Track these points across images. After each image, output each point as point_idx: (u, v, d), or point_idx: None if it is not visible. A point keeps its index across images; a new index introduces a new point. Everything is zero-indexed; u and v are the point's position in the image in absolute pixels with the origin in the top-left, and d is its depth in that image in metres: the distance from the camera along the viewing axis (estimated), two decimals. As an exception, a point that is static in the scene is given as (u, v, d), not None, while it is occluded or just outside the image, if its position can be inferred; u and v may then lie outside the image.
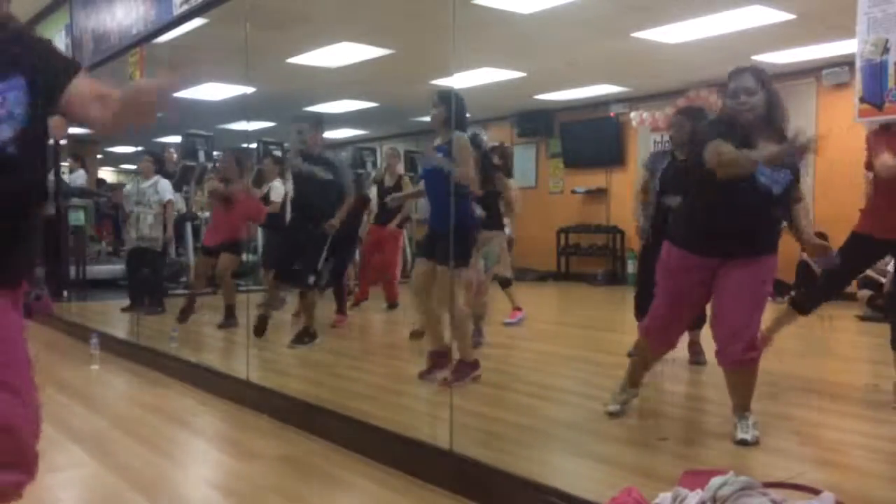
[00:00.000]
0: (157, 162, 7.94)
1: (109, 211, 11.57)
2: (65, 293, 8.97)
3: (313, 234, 5.56)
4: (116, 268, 10.45)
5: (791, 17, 6.71)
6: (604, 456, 3.11)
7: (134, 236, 7.64)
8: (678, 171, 4.42)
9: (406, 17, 6.87)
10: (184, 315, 6.81)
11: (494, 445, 3.32)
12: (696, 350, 4.78)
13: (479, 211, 4.98)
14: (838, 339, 3.93)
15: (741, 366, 3.23)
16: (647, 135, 10.83)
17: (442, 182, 4.26)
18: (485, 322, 5.79)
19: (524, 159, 12.23)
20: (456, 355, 4.33)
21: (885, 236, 3.95)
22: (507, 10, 6.52)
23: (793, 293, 4.20)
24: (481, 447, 3.15)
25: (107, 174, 16.46)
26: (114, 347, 5.72)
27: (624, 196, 11.34)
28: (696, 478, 2.22)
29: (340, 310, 6.84)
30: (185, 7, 5.28)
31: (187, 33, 6.02)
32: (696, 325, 4.49)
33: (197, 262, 7.65)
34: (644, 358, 3.70)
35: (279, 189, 7.58)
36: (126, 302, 7.89)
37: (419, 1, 6.20)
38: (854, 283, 7.01)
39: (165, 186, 7.59)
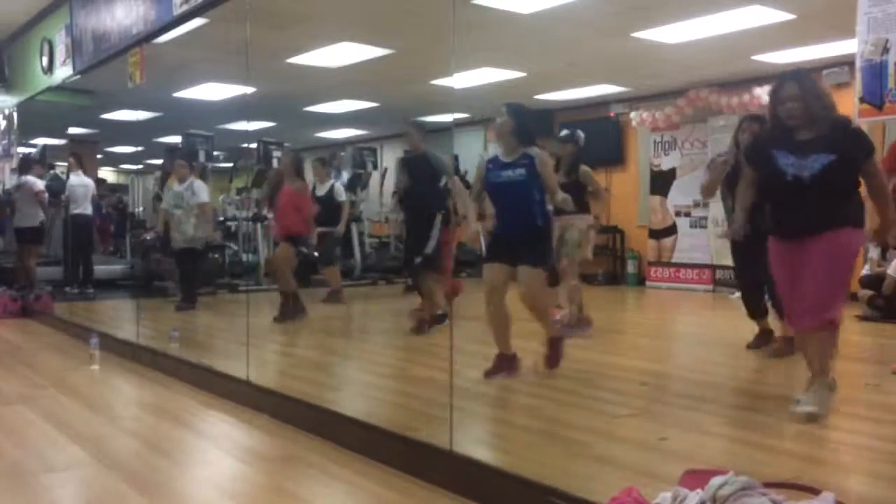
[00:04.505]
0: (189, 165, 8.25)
1: (109, 210, 11.63)
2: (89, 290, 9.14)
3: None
4: (117, 268, 10.49)
5: (791, 17, 6.71)
6: (604, 456, 3.11)
7: (179, 238, 7.90)
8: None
9: (406, 17, 6.87)
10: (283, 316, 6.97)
11: (494, 445, 3.33)
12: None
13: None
14: (838, 340, 3.93)
15: (809, 328, 3.57)
16: (647, 135, 10.83)
17: (524, 195, 4.47)
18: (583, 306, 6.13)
19: (524, 159, 12.20)
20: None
21: None
22: (507, 10, 6.52)
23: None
24: (481, 447, 3.15)
25: (107, 174, 16.45)
26: (114, 347, 5.71)
27: (624, 196, 11.35)
28: (696, 478, 2.22)
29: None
30: (185, 7, 5.27)
31: (187, 33, 6.02)
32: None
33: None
34: (804, 348, 3.79)
35: (342, 190, 8.22)
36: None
37: (419, 1, 6.20)
38: (856, 283, 7.04)
39: (201, 188, 7.97)
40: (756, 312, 5.30)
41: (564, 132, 6.13)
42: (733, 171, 4.96)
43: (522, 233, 4.48)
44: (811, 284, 3.52)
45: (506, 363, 4.53)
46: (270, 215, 9.81)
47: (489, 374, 4.48)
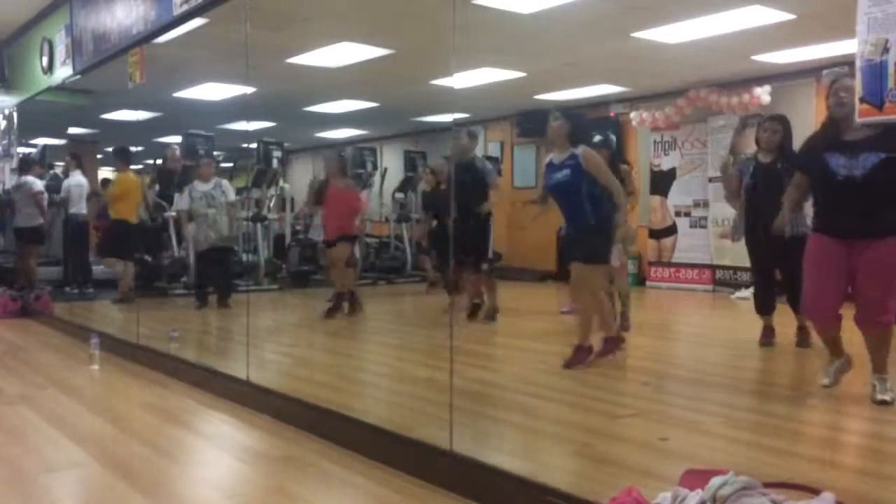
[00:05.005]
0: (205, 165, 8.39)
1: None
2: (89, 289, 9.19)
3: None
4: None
5: (791, 17, 6.71)
6: (604, 456, 3.11)
7: (213, 237, 7.98)
8: (766, 173, 5.11)
9: (406, 17, 6.87)
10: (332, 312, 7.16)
11: (494, 445, 3.33)
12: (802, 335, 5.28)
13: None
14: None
15: (876, 329, 3.72)
16: (647, 135, 10.83)
17: (572, 193, 4.72)
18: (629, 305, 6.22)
19: (524, 159, 12.23)
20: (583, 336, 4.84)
21: None
22: (507, 10, 6.52)
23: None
24: (481, 447, 3.15)
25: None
26: (114, 347, 5.71)
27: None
28: (696, 478, 2.22)
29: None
30: (185, 7, 5.27)
31: (187, 33, 6.02)
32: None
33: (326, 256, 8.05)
34: (825, 339, 3.98)
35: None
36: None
37: (419, 1, 6.20)
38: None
39: (229, 187, 8.18)
40: (765, 308, 5.36)
41: (598, 137, 6.26)
42: (760, 173, 5.14)
43: (580, 230, 4.74)
44: (869, 293, 3.68)
45: (583, 354, 4.79)
46: (270, 215, 9.87)
47: (568, 364, 4.73)
